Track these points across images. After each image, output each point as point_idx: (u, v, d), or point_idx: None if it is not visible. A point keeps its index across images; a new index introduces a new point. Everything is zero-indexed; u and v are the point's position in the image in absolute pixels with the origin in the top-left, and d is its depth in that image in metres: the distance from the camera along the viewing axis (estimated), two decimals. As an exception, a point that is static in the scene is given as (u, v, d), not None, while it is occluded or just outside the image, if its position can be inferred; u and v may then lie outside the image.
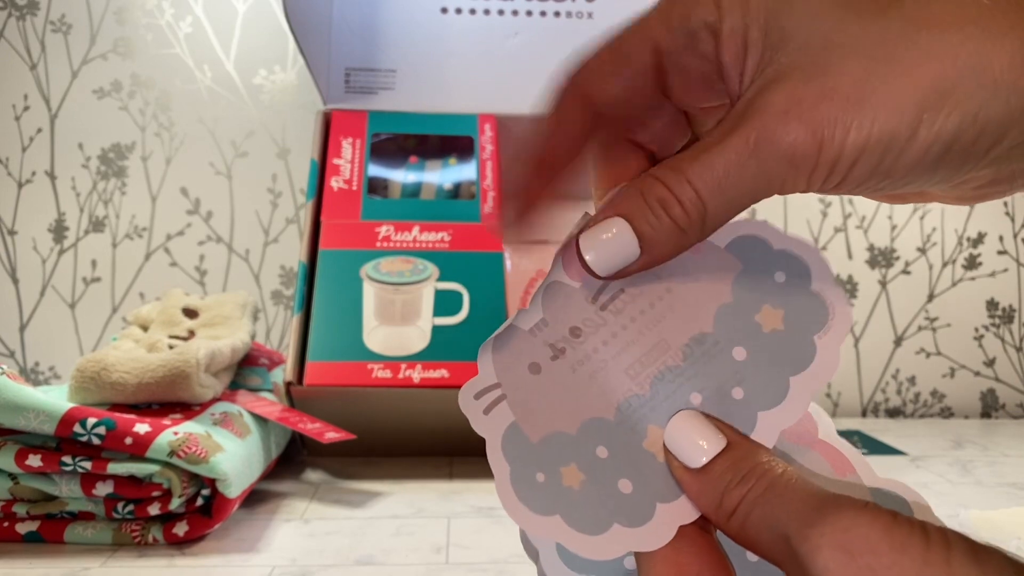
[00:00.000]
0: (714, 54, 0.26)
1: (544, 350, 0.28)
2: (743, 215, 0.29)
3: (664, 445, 0.26)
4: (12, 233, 1.05)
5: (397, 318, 0.78)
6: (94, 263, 1.06)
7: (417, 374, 0.75)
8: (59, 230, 1.06)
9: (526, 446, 0.29)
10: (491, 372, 0.30)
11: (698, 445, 0.25)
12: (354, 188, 0.85)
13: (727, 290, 0.28)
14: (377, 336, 0.77)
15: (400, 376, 0.75)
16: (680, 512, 0.26)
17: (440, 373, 0.75)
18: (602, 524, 0.26)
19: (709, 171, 0.24)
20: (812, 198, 1.09)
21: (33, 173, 1.06)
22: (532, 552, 0.30)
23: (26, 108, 1.05)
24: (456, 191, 0.90)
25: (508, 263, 0.93)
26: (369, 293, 0.79)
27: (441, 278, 0.80)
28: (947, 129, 0.23)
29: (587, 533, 0.26)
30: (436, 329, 0.78)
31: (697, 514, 0.25)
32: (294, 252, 1.07)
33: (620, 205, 0.26)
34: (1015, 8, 0.23)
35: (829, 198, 1.10)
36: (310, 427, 0.68)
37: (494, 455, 0.30)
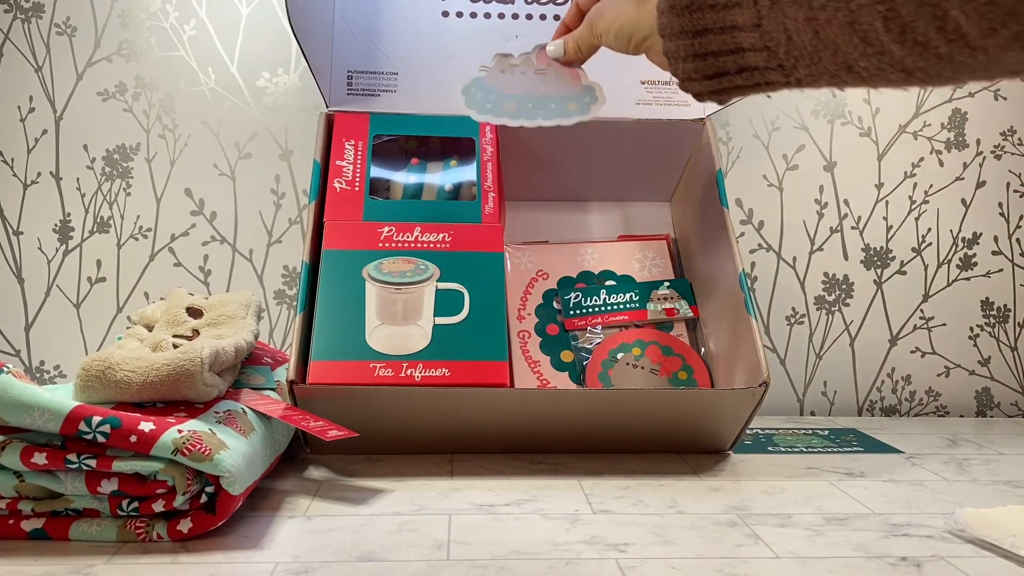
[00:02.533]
0: None
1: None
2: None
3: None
4: (18, 233, 1.07)
5: (399, 318, 0.79)
6: (99, 263, 1.07)
7: (419, 373, 0.76)
8: (64, 230, 1.07)
9: None
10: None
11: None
12: (356, 189, 0.86)
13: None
14: (379, 335, 0.78)
15: (402, 375, 0.76)
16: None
17: (441, 372, 0.76)
18: None
19: (579, 32, 0.72)
20: (809, 201, 1.10)
21: (38, 174, 1.07)
22: None
23: (31, 110, 1.06)
24: (457, 192, 0.91)
25: (508, 263, 0.94)
26: (371, 293, 0.80)
27: (442, 278, 0.81)
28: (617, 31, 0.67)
29: None
30: (437, 328, 0.79)
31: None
32: (297, 252, 1.08)
33: (563, 40, 0.74)
34: None
35: (826, 201, 1.10)
36: (313, 425, 0.69)
37: None
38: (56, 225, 1.07)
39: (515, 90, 0.81)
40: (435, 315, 0.79)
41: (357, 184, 0.86)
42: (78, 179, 1.07)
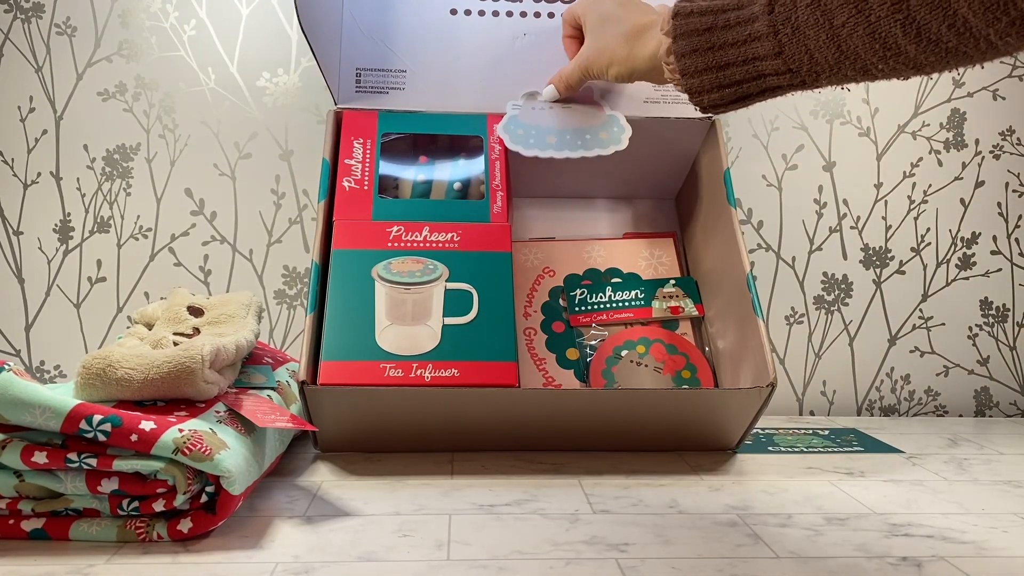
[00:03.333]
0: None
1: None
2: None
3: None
4: (18, 233, 1.07)
5: (408, 318, 0.79)
6: (99, 263, 1.07)
7: (428, 373, 0.76)
8: (64, 230, 1.07)
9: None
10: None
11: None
12: (365, 188, 0.86)
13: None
14: (389, 336, 0.78)
15: (412, 375, 0.76)
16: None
17: (451, 372, 0.76)
18: None
19: (569, 74, 0.86)
20: (808, 201, 1.10)
21: (39, 174, 1.07)
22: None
23: (31, 110, 1.06)
24: (465, 191, 0.91)
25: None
26: (380, 293, 0.80)
27: (451, 278, 0.81)
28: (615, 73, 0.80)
29: None
30: (446, 329, 0.79)
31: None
32: (297, 252, 1.08)
33: (552, 85, 0.89)
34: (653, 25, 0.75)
35: (825, 200, 1.11)
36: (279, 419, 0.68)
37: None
38: (56, 225, 1.07)
39: (551, 124, 0.90)
40: (444, 315, 0.79)
41: (366, 183, 0.86)
42: (78, 179, 1.07)
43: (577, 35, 0.87)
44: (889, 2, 0.51)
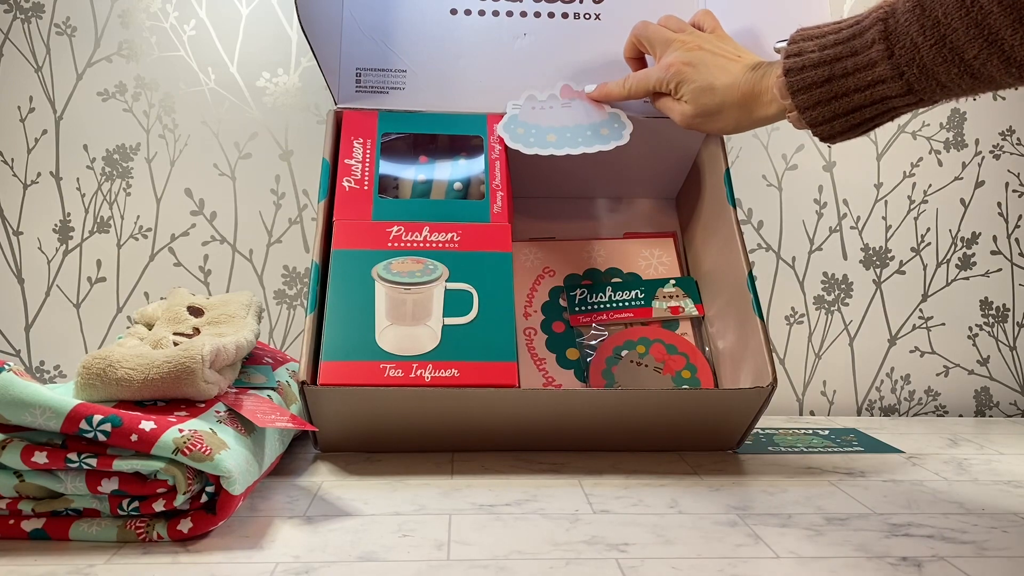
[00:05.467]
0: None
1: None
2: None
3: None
4: (18, 233, 1.07)
5: (408, 318, 0.79)
6: (99, 263, 1.07)
7: (428, 373, 0.76)
8: (64, 230, 1.07)
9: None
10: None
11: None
12: (365, 188, 0.86)
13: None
14: (389, 336, 0.78)
15: (412, 376, 0.76)
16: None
17: (451, 372, 0.76)
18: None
19: (641, 81, 0.85)
20: (808, 201, 1.10)
21: (38, 174, 1.07)
22: None
23: (31, 110, 1.06)
24: (466, 191, 0.91)
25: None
26: (380, 293, 0.80)
27: (451, 278, 0.81)
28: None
29: None
30: (446, 329, 0.79)
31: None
32: (297, 252, 1.08)
33: (608, 85, 0.90)
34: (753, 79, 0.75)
35: (825, 200, 1.11)
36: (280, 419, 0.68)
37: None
38: (56, 225, 1.07)
39: (551, 123, 0.90)
40: (444, 315, 0.79)
41: (366, 183, 0.86)
42: (78, 179, 1.07)
43: (640, 56, 0.88)
44: (1021, 32, 0.53)
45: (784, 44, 0.68)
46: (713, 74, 0.77)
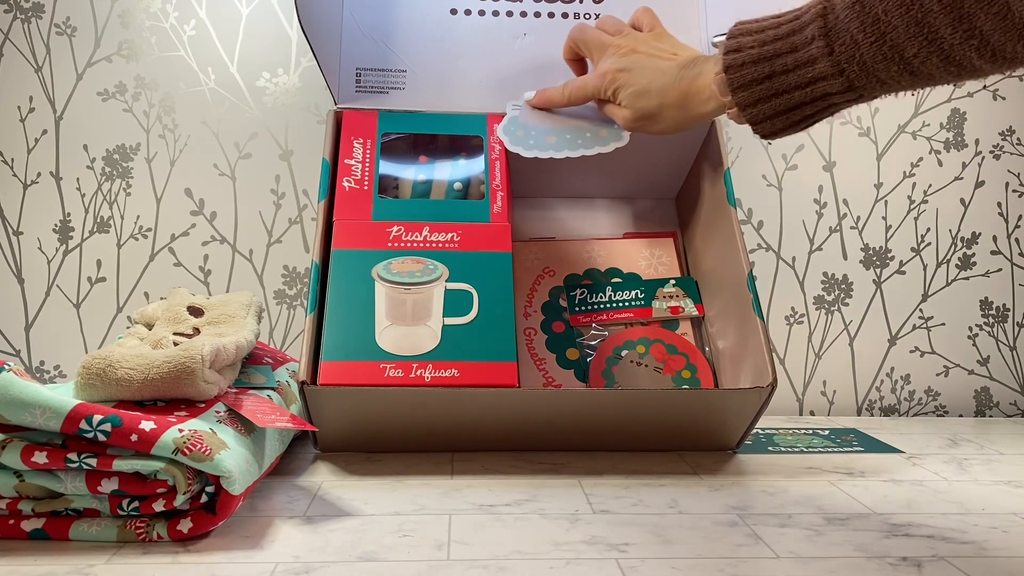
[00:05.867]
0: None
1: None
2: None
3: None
4: (18, 233, 1.07)
5: (408, 318, 0.79)
6: (99, 263, 1.07)
7: (428, 374, 0.76)
8: (64, 231, 1.07)
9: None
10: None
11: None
12: (365, 188, 0.86)
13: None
14: (389, 336, 0.78)
15: (412, 376, 0.76)
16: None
17: (451, 372, 0.76)
18: None
19: (584, 86, 0.84)
20: (808, 201, 1.10)
21: (38, 174, 1.07)
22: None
23: (31, 110, 1.06)
24: (466, 191, 0.91)
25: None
26: (380, 293, 0.80)
27: (451, 278, 0.81)
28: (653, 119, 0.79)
29: None
30: (446, 329, 0.79)
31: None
32: (297, 252, 1.08)
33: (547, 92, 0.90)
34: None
35: (825, 200, 1.11)
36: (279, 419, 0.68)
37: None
38: (56, 225, 1.07)
39: (550, 125, 0.89)
40: (444, 315, 0.79)
41: (366, 183, 0.86)
42: (78, 179, 1.07)
43: (579, 58, 0.88)
44: (961, 31, 0.53)
45: (722, 39, 0.67)
46: (648, 77, 0.77)
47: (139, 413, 0.58)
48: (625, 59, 0.79)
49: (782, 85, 0.63)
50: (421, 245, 0.83)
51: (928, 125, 1.12)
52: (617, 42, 0.81)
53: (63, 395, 0.58)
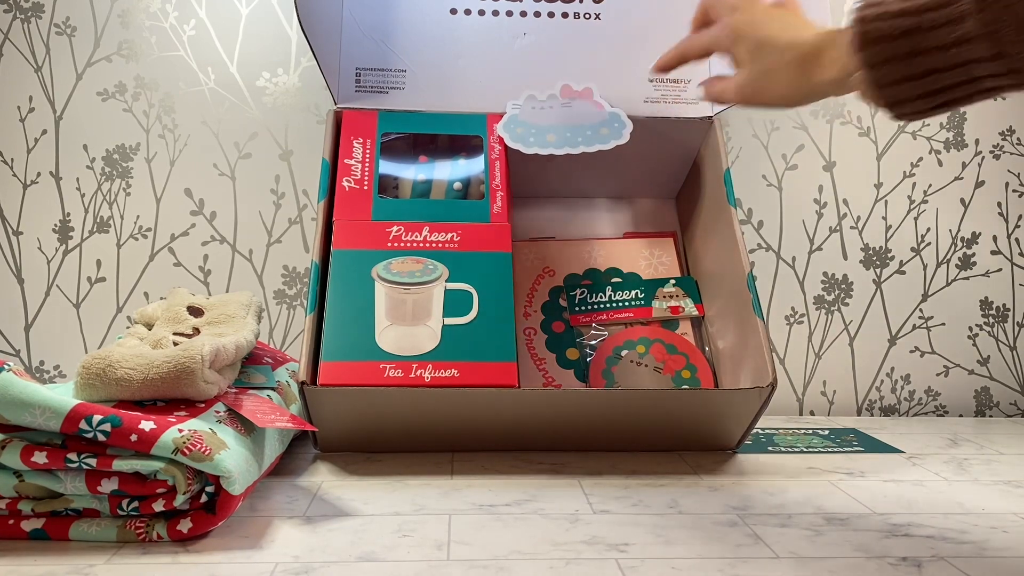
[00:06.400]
0: None
1: None
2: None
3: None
4: (17, 233, 1.07)
5: (408, 318, 0.79)
6: (99, 263, 1.07)
7: (428, 374, 0.76)
8: (64, 230, 1.07)
9: None
10: None
11: None
12: (365, 188, 0.86)
13: None
14: (389, 336, 0.78)
15: (412, 376, 0.76)
16: None
17: (451, 372, 0.76)
18: None
19: (720, 92, 0.70)
20: (808, 201, 1.10)
21: (38, 174, 1.07)
22: None
23: (31, 110, 1.06)
24: (465, 191, 0.91)
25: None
26: (380, 293, 0.80)
27: (451, 278, 0.81)
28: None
29: None
30: (446, 329, 0.79)
31: None
32: (297, 252, 1.08)
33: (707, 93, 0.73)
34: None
35: (825, 200, 1.11)
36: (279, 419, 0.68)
37: None
38: (56, 225, 1.07)
39: (551, 122, 0.90)
40: (444, 315, 0.79)
41: (366, 183, 0.86)
42: (78, 179, 1.07)
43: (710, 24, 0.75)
44: None
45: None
46: (772, 30, 0.67)
47: (139, 413, 0.58)
48: (753, 14, 0.69)
49: (921, 44, 0.53)
50: (421, 245, 0.83)
51: (928, 125, 1.12)
52: (747, 3, 0.70)
53: (63, 395, 0.57)
